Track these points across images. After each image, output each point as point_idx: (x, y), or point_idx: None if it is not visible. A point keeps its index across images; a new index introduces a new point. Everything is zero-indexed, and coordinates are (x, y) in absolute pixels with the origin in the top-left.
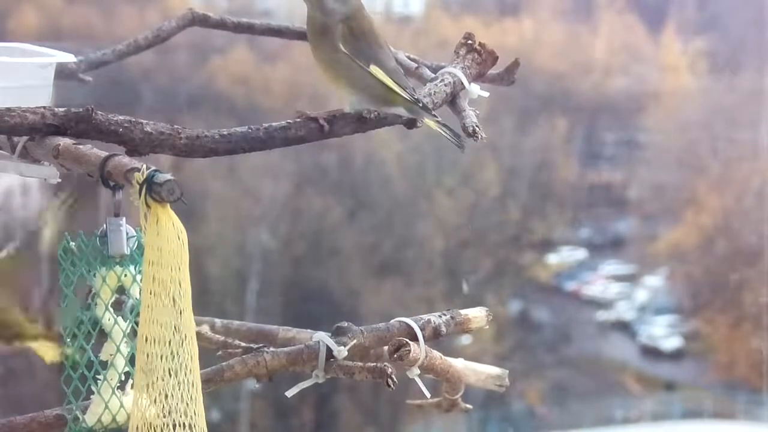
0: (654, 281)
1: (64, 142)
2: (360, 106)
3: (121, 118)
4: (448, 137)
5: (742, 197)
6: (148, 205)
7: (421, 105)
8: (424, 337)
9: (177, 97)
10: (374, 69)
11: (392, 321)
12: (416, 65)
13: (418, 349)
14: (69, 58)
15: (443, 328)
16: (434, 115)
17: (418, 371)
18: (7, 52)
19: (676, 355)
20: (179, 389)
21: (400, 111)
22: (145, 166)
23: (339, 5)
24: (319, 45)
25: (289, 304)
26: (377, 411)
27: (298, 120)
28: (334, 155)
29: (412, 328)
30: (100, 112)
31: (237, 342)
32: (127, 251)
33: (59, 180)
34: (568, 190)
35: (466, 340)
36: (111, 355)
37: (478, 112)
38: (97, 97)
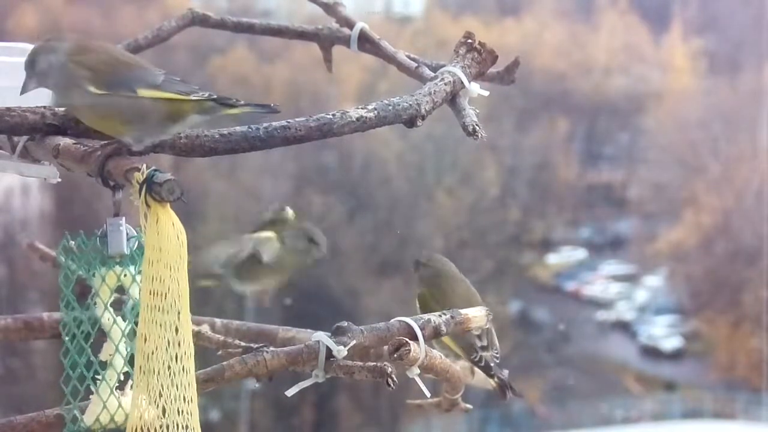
0: (654, 281)
1: (64, 141)
2: (144, 138)
3: None
4: (257, 110)
5: (742, 197)
6: (148, 205)
7: (213, 99)
8: (424, 336)
9: None
10: (143, 92)
11: (392, 320)
12: (416, 65)
13: (418, 349)
14: None
15: (443, 328)
16: (232, 104)
17: (418, 371)
18: (7, 52)
19: (676, 355)
20: (177, 389)
21: (194, 120)
22: (145, 165)
23: (52, 60)
24: (77, 105)
25: (289, 304)
26: (377, 411)
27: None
28: (334, 155)
29: (412, 328)
30: None
31: (237, 342)
32: (126, 251)
33: (59, 180)
34: (568, 190)
35: None
36: (110, 355)
37: (477, 110)
38: None
